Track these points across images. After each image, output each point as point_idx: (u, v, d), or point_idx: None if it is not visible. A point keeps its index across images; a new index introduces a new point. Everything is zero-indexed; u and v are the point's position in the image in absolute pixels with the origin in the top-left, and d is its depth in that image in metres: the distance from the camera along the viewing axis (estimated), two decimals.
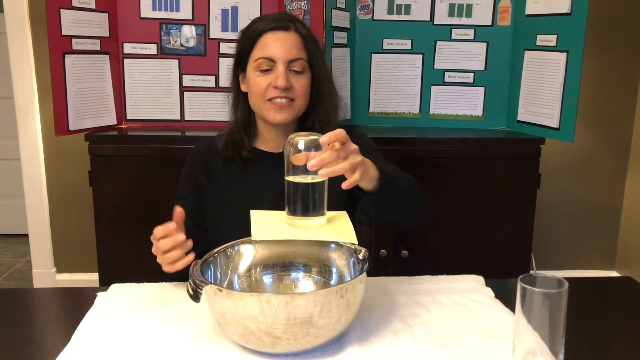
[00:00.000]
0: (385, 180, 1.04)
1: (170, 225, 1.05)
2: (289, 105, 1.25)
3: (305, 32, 1.29)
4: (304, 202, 0.99)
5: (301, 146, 0.95)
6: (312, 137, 0.96)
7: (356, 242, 0.99)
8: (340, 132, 0.93)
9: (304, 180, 0.96)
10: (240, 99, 1.33)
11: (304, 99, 1.27)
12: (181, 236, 1.04)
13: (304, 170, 0.95)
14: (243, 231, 1.14)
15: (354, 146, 0.96)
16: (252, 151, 1.32)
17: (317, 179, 0.95)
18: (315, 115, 1.30)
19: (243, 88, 1.32)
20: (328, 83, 1.32)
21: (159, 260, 1.08)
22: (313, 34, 1.32)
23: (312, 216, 1.00)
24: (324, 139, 0.92)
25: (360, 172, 0.96)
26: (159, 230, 1.05)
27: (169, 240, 1.04)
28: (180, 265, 1.05)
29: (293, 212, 1.00)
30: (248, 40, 1.28)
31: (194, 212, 1.30)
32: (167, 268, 1.07)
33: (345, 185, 0.95)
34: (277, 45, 1.24)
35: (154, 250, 1.08)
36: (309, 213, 0.99)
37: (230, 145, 1.31)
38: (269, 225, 1.03)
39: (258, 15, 2.10)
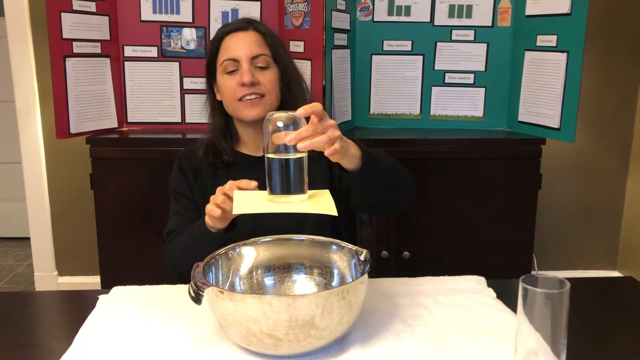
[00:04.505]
0: (367, 157, 1.06)
1: (252, 184, 1.06)
2: (259, 101, 1.28)
3: (265, 30, 1.33)
4: (285, 178, 0.98)
5: (279, 123, 0.95)
6: (290, 114, 0.96)
7: (336, 214, 0.98)
8: (316, 105, 0.95)
9: (283, 156, 0.96)
10: (216, 108, 1.37)
11: (274, 93, 1.31)
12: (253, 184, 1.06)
13: (284, 148, 0.95)
14: (230, 233, 1.15)
15: (332, 121, 0.97)
16: (234, 155, 1.35)
17: (297, 155, 0.96)
18: (287, 109, 1.33)
19: (219, 97, 1.36)
20: (296, 77, 1.36)
21: (212, 208, 1.10)
22: (274, 32, 1.37)
23: (293, 193, 0.98)
24: (300, 111, 0.94)
25: (339, 145, 0.97)
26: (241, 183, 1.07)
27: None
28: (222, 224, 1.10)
29: (274, 190, 0.99)
30: (212, 48, 1.34)
31: (190, 208, 1.34)
32: (215, 221, 1.11)
33: (328, 153, 0.96)
34: (237, 45, 1.29)
35: (216, 198, 1.10)
36: (290, 190, 0.98)
37: (210, 153, 1.35)
38: (251, 201, 1.03)
39: (258, 17, 2.11)
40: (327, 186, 1.26)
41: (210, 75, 1.36)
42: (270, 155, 0.97)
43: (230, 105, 1.32)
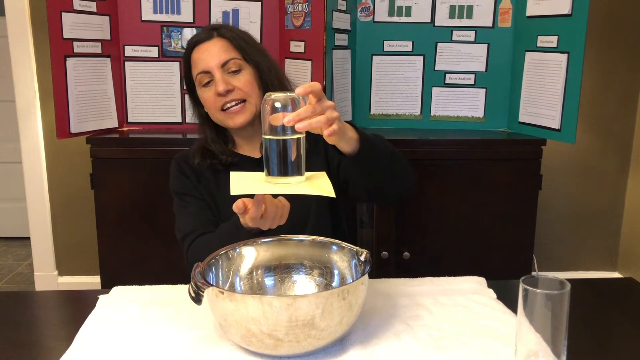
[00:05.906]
0: (364, 140, 1.06)
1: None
2: (242, 107, 1.28)
3: (230, 34, 1.32)
4: (283, 159, 0.97)
5: (277, 104, 0.94)
6: (288, 94, 0.95)
7: (334, 196, 0.97)
8: (314, 85, 0.94)
9: (281, 137, 0.95)
10: (205, 120, 1.37)
11: (254, 95, 1.30)
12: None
13: (282, 129, 0.94)
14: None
15: (330, 102, 0.97)
16: (231, 155, 1.34)
17: (295, 135, 0.95)
18: None
19: (206, 109, 1.35)
20: (272, 72, 1.34)
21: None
22: (243, 33, 1.36)
23: (290, 175, 0.97)
24: (299, 90, 0.93)
25: (338, 125, 0.96)
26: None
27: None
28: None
29: (272, 171, 0.98)
30: (185, 63, 1.35)
31: (202, 206, 1.32)
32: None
33: (326, 134, 0.95)
34: (205, 56, 1.29)
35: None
36: (288, 171, 0.97)
37: (207, 158, 1.34)
38: (248, 182, 1.02)
39: (259, 17, 2.12)
40: None
41: (192, 90, 1.36)
42: (268, 136, 0.96)
43: (215, 116, 1.32)
